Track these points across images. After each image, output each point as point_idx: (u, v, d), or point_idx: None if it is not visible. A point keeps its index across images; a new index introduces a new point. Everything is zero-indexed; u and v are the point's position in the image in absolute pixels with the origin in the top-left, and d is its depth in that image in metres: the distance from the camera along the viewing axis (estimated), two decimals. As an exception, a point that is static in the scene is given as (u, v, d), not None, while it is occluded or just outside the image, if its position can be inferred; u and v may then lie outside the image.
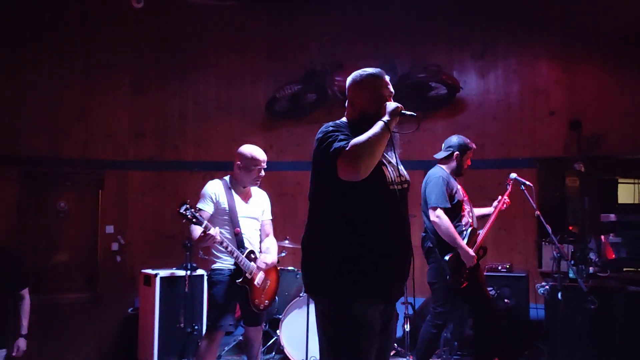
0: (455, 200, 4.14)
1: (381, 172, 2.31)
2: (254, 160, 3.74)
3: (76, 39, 6.11)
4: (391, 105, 2.31)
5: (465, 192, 4.32)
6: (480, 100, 6.05)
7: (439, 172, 4.21)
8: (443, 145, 4.35)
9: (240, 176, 3.78)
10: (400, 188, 2.37)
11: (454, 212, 4.13)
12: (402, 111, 2.31)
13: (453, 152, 4.26)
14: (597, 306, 4.04)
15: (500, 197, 4.41)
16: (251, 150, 3.78)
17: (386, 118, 2.25)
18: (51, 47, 6.02)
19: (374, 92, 2.39)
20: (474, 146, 4.32)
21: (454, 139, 4.30)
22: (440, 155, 4.31)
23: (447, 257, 4.04)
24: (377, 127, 2.22)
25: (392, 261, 2.29)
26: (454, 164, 4.26)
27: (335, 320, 2.28)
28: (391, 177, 2.34)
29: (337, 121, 2.44)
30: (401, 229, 2.35)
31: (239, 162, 3.77)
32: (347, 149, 2.17)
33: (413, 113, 2.31)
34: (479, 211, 4.50)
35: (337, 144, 2.22)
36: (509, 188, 4.36)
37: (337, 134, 2.28)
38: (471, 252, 4.05)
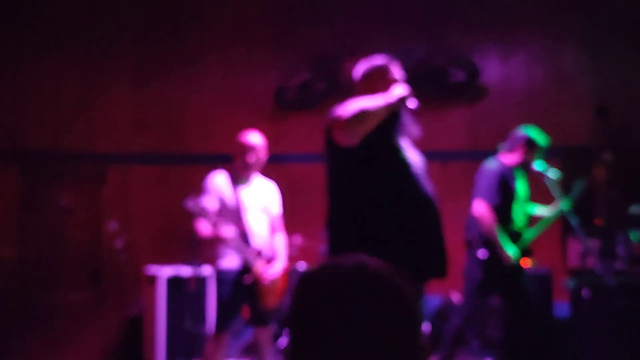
0: (509, 197, 3.98)
1: (400, 154, 2.33)
2: (241, 145, 3.61)
3: (76, 27, 5.94)
4: (398, 89, 2.25)
5: (527, 189, 4.17)
6: (501, 87, 5.84)
7: (497, 165, 4.04)
8: (508, 138, 4.19)
9: (236, 164, 3.65)
10: (420, 169, 2.41)
11: (503, 209, 3.96)
12: (406, 99, 2.25)
13: (518, 146, 4.08)
14: (625, 303, 3.94)
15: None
16: (242, 135, 3.66)
17: (395, 96, 2.23)
18: (50, 37, 5.87)
19: (383, 82, 2.36)
20: (543, 141, 4.13)
21: (520, 132, 4.13)
22: (506, 148, 4.15)
23: (480, 254, 3.93)
24: (384, 100, 2.19)
25: (423, 238, 2.28)
26: (520, 158, 4.08)
27: None
28: (410, 159, 2.38)
29: None
30: (431, 204, 2.35)
31: (234, 149, 3.67)
32: (353, 111, 2.18)
33: (413, 107, 2.27)
34: (537, 210, 4.35)
35: (341, 108, 2.24)
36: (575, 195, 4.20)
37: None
38: (509, 255, 3.90)
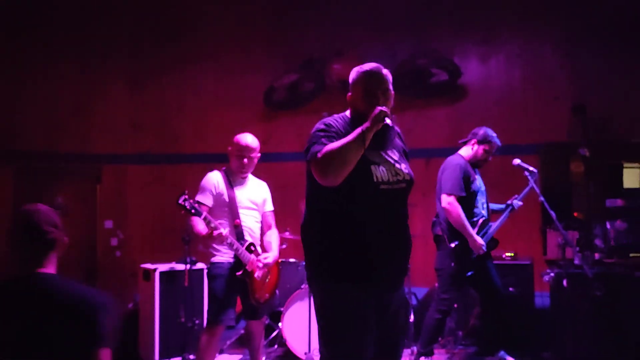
0: (471, 190, 4.13)
1: (367, 173, 2.27)
2: (237, 146, 3.71)
3: (72, 31, 6.03)
4: (376, 111, 2.23)
5: (483, 184, 4.32)
6: (482, 86, 5.95)
7: (458, 159, 4.22)
8: (469, 134, 4.35)
9: (232, 164, 3.76)
10: (393, 188, 2.33)
11: (468, 201, 4.12)
12: (385, 119, 2.22)
13: (474, 143, 4.25)
14: (603, 293, 4.01)
15: (514, 196, 4.42)
16: (239, 137, 3.76)
17: (366, 125, 2.20)
18: (46, 40, 5.94)
19: (365, 91, 2.36)
20: (497, 142, 4.28)
21: (480, 130, 4.28)
22: (464, 142, 4.33)
23: (453, 245, 4.05)
24: (353, 134, 2.19)
25: (376, 260, 2.29)
26: (472, 154, 4.25)
27: (323, 305, 2.35)
28: (381, 177, 2.30)
29: (338, 115, 2.43)
30: (391, 228, 2.34)
31: (229, 149, 3.77)
32: (319, 156, 2.19)
33: (389, 123, 2.24)
34: (493, 206, 4.51)
35: (313, 148, 2.24)
36: (526, 189, 4.34)
37: (321, 134, 2.28)
38: (479, 240, 4.04)
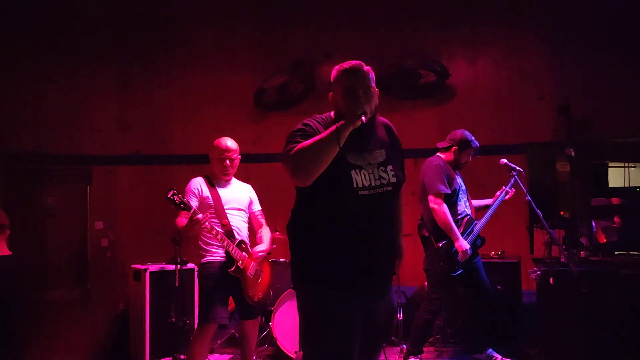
0: (452, 189, 4.17)
1: (347, 178, 2.20)
2: (218, 150, 3.78)
3: (59, 32, 6.02)
4: (353, 110, 2.13)
5: (463, 182, 4.38)
6: (469, 86, 6.01)
7: (437, 160, 4.28)
8: (448, 136, 4.40)
9: (214, 168, 3.82)
10: (376, 193, 2.24)
11: (451, 200, 4.17)
12: (361, 116, 2.12)
13: (452, 146, 4.30)
14: (589, 290, 4.05)
15: (502, 188, 4.46)
16: (218, 141, 3.82)
17: (341, 123, 2.10)
18: (34, 41, 5.93)
19: (346, 90, 2.26)
20: (476, 144, 4.34)
21: (458, 133, 4.33)
22: (442, 145, 4.38)
23: (440, 245, 4.09)
24: (326, 132, 2.11)
25: (357, 266, 2.23)
26: (452, 157, 4.31)
27: (305, 311, 2.34)
28: (362, 182, 2.21)
29: (321, 115, 2.38)
30: (374, 234, 2.25)
31: (210, 154, 3.83)
32: (291, 153, 2.10)
33: (364, 120, 2.14)
34: (479, 202, 4.57)
35: (288, 147, 2.15)
36: (512, 180, 4.38)
37: (298, 133, 2.21)
38: (465, 245, 4.07)
